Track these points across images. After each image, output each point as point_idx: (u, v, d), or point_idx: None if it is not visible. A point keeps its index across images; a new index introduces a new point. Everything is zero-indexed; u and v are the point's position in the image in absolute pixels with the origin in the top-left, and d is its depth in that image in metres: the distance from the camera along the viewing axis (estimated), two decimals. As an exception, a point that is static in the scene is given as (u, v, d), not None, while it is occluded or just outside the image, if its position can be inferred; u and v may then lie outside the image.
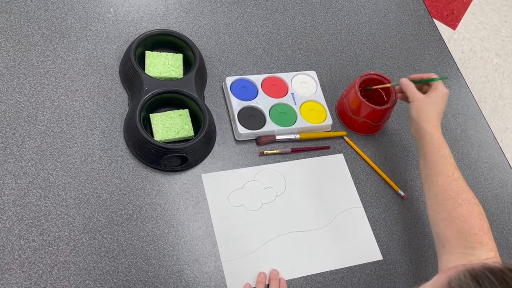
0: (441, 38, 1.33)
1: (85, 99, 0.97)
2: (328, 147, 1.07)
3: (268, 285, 0.89)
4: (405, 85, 0.97)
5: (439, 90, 0.93)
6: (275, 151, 1.02)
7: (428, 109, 0.91)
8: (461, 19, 2.54)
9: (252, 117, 1.03)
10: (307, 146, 1.06)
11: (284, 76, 1.10)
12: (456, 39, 2.46)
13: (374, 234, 0.99)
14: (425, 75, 0.97)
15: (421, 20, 1.34)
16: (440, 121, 0.92)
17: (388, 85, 1.04)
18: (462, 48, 2.45)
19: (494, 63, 2.43)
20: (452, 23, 2.51)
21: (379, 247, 0.98)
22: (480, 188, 1.12)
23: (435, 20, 1.38)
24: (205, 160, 0.98)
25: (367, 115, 1.05)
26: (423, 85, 0.97)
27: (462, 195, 0.82)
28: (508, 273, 0.47)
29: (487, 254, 0.76)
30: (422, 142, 0.90)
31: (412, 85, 0.96)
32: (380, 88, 1.07)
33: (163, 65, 1.01)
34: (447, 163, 0.86)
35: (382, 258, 0.97)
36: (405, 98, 0.99)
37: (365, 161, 1.07)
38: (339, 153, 1.07)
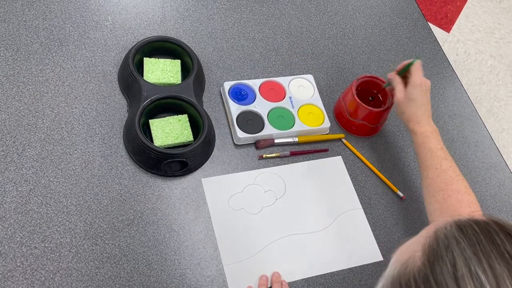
0: (435, 40, 1.34)
1: (85, 106, 0.98)
2: (326, 150, 1.07)
3: (270, 287, 0.89)
4: (393, 81, 0.98)
5: (412, 83, 0.94)
6: (274, 155, 1.03)
7: (407, 108, 0.93)
8: (455, 22, 2.56)
9: (250, 121, 1.04)
10: (306, 149, 1.06)
11: (282, 80, 1.11)
12: (451, 42, 2.48)
13: (374, 235, 1.00)
14: (404, 63, 0.97)
15: (416, 23, 1.35)
16: (426, 113, 0.92)
17: (383, 86, 1.06)
18: (456, 50, 2.46)
19: (489, 65, 2.45)
20: (446, 26, 2.53)
21: (379, 248, 0.99)
22: (478, 188, 1.13)
23: (429, 23, 1.39)
24: (205, 165, 0.99)
25: (365, 117, 1.06)
26: (407, 73, 0.97)
27: (452, 186, 0.85)
28: (492, 224, 0.49)
29: None
30: (412, 139, 0.94)
31: (398, 81, 0.96)
32: (379, 91, 1.08)
33: (161, 71, 1.02)
34: (433, 156, 0.88)
35: (382, 259, 0.97)
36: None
37: (364, 163, 1.08)
38: (338, 155, 1.08)
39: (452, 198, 0.83)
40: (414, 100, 0.93)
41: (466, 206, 0.82)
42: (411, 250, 0.52)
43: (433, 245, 0.49)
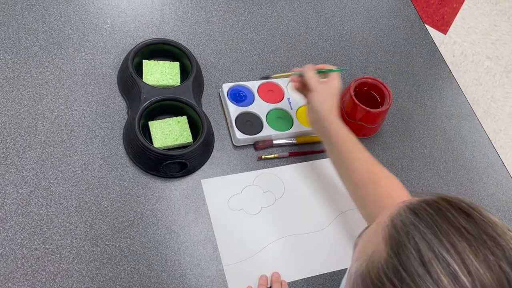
0: (432, 42, 1.35)
1: (84, 108, 0.99)
2: (324, 151, 1.08)
3: (270, 287, 0.89)
4: (309, 73, 0.96)
5: (337, 82, 0.95)
6: (273, 156, 1.03)
7: (330, 99, 0.93)
8: (451, 23, 2.57)
9: (249, 123, 1.04)
10: (304, 150, 1.07)
11: (280, 81, 1.12)
12: (447, 44, 2.50)
13: (372, 235, 1.00)
14: (325, 66, 0.98)
15: (413, 24, 1.36)
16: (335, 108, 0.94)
17: (290, 74, 1.02)
18: (453, 52, 2.48)
19: (485, 66, 2.47)
20: (443, 28, 2.55)
21: (378, 248, 0.99)
22: (476, 188, 1.14)
23: (426, 25, 1.40)
24: (204, 166, 0.99)
25: (362, 118, 1.07)
26: (320, 75, 0.98)
27: (379, 174, 0.85)
28: (442, 202, 0.50)
29: None
30: (328, 132, 0.91)
31: (316, 75, 0.96)
32: (282, 76, 1.06)
33: (160, 74, 1.03)
34: (359, 147, 0.88)
35: (381, 259, 0.98)
36: (301, 88, 0.99)
37: (362, 163, 1.09)
38: (336, 156, 1.08)
39: (383, 185, 0.84)
40: (336, 95, 0.93)
41: (396, 189, 0.84)
42: (373, 242, 0.52)
43: (393, 234, 0.50)
